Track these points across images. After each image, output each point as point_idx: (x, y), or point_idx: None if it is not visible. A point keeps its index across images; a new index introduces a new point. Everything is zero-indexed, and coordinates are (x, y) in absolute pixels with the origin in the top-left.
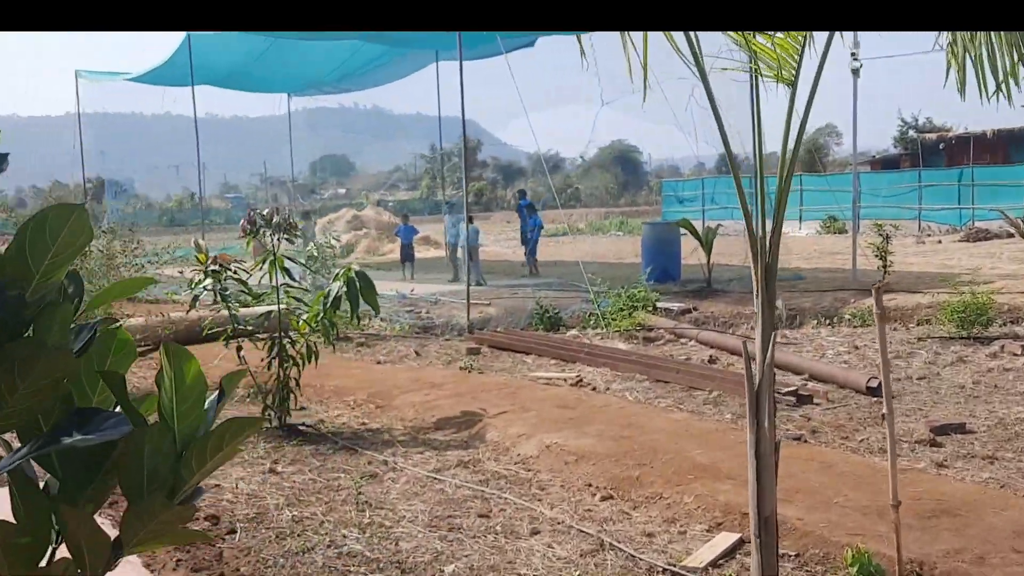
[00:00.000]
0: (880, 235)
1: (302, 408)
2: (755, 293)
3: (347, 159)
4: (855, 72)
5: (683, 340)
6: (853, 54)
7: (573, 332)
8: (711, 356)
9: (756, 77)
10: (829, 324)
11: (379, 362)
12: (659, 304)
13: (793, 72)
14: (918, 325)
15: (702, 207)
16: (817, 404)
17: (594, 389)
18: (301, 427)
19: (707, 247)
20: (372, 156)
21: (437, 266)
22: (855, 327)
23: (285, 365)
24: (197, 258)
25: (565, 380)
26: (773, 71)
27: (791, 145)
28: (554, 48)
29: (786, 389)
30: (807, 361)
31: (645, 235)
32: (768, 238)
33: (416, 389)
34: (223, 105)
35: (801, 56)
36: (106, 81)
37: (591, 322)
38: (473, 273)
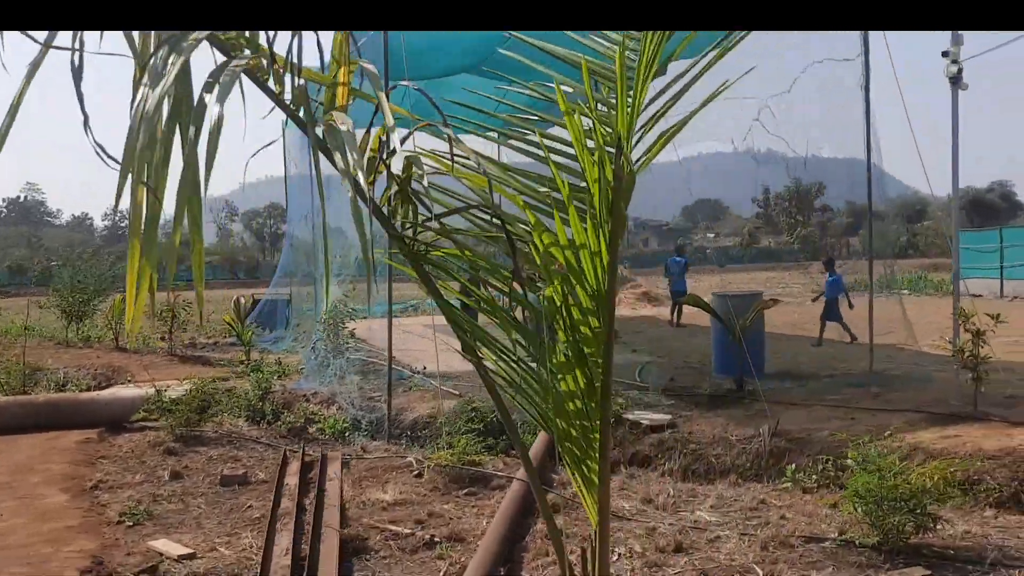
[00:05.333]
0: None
1: None
2: None
3: (721, 203)
4: (954, 80)
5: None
6: (946, 53)
7: (420, 456)
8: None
9: None
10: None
11: (98, 486)
12: (627, 416)
13: None
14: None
15: (1000, 264)
16: None
17: None
18: None
19: (739, 339)
20: (745, 198)
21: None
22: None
23: None
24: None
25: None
26: None
27: None
28: None
29: None
30: None
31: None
32: None
33: None
34: None
35: None
36: None
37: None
38: None
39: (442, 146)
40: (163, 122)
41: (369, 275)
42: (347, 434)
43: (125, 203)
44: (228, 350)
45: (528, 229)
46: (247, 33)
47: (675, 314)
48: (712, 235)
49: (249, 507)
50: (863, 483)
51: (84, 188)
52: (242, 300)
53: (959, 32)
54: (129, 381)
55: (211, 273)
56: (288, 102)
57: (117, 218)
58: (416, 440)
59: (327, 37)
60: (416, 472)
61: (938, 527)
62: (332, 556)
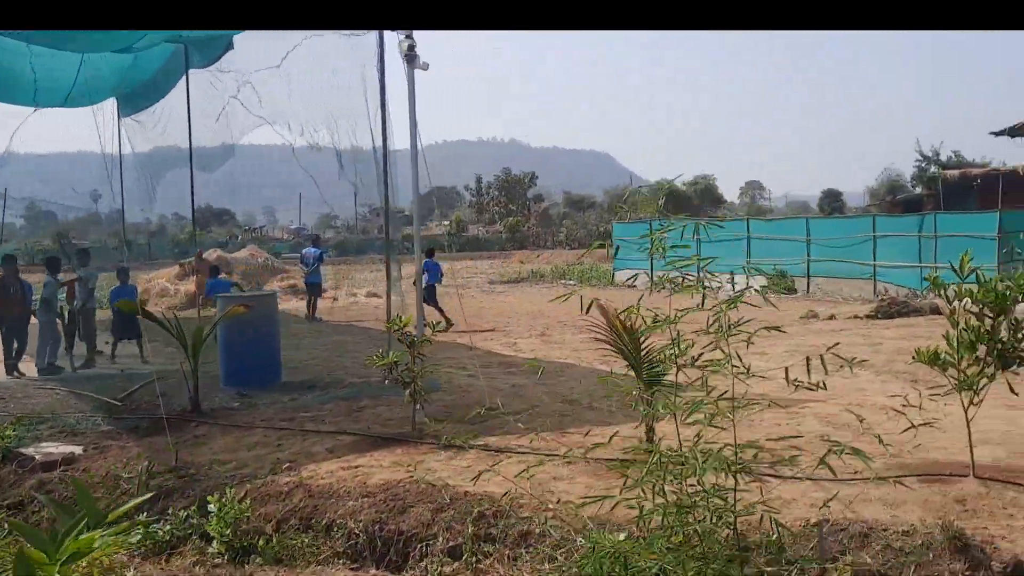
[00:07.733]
0: None
1: None
2: None
3: (456, 190)
4: (408, 59)
5: None
6: None
7: None
8: None
9: None
10: None
11: None
12: (24, 450)
13: None
14: None
15: (651, 258)
16: None
17: None
18: None
19: (192, 350)
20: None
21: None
22: None
23: None
24: None
25: None
26: None
27: None
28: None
29: None
30: None
31: (220, 311)
32: None
33: None
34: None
35: None
36: None
37: None
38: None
39: None
40: None
41: None
42: None
43: None
44: None
45: None
46: None
47: (311, 308)
48: (447, 222)
49: None
50: None
51: None
52: None
53: None
54: None
55: None
56: None
57: None
58: None
59: None
60: None
61: None
62: None
